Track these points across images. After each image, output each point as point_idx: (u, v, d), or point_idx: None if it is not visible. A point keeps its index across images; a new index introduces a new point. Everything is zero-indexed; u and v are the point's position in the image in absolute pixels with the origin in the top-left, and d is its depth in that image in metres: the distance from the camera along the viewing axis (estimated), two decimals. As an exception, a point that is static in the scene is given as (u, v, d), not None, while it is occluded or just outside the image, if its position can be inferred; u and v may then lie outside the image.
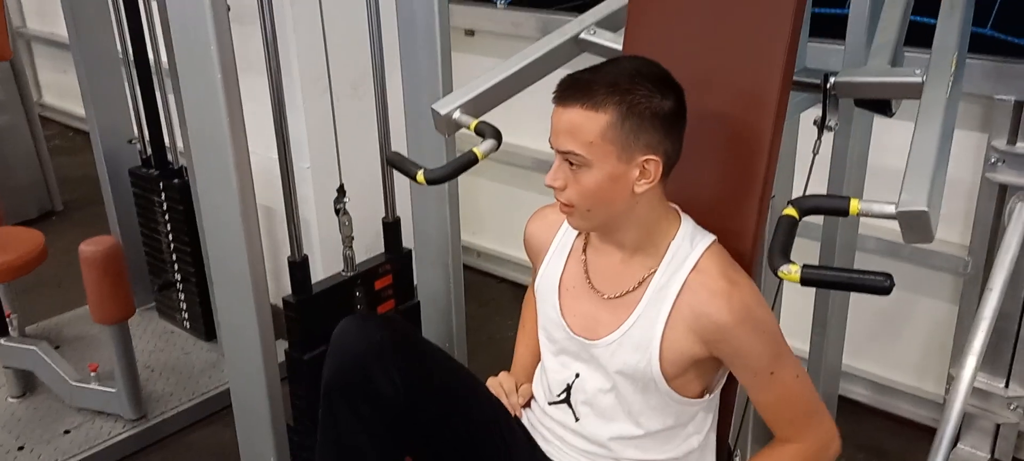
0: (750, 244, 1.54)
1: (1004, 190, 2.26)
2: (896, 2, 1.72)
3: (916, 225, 1.28)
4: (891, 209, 1.29)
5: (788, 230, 1.28)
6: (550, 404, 1.58)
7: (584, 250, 1.55)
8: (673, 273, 1.43)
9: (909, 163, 1.35)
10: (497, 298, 3.51)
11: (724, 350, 1.41)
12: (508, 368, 1.76)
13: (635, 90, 1.34)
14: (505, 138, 3.55)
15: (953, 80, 1.49)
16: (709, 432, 1.56)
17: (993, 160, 2.24)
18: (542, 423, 1.61)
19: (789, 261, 1.24)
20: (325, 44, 2.23)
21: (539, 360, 1.67)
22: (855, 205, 1.29)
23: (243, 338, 1.99)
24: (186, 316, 3.16)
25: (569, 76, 1.39)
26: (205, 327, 3.10)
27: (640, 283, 1.46)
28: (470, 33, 3.32)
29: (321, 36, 2.24)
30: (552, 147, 1.39)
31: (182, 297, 3.13)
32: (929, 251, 2.45)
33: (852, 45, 1.84)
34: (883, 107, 1.70)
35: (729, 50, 1.56)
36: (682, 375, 1.44)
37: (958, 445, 2.51)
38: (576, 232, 1.57)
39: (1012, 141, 2.21)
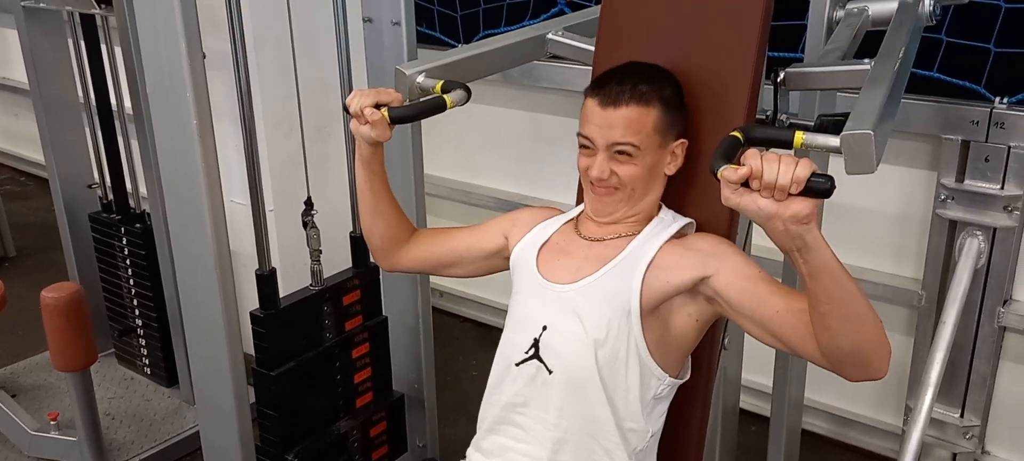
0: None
1: (954, 226, 2.35)
2: (848, 27, 1.78)
3: (859, 149, 1.29)
4: (835, 141, 1.31)
5: (731, 145, 1.29)
6: (517, 365, 1.56)
7: (576, 227, 1.63)
8: (657, 234, 1.55)
9: (855, 106, 1.37)
10: (460, 338, 3.52)
11: (714, 262, 1.46)
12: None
13: (666, 86, 1.53)
14: (466, 179, 3.59)
15: (900, 64, 1.52)
16: (655, 437, 1.58)
17: (943, 197, 2.33)
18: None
19: (728, 163, 1.23)
20: (297, 89, 2.25)
21: (388, 205, 1.71)
22: (800, 137, 1.31)
23: (216, 385, 1.99)
24: (147, 362, 3.12)
25: (608, 78, 1.52)
26: (166, 373, 3.06)
27: (626, 236, 1.56)
28: (432, 77, 3.36)
29: (283, 81, 2.26)
30: (595, 144, 1.51)
31: (143, 343, 3.09)
32: (884, 285, 2.53)
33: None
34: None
35: (696, 90, 1.61)
36: (654, 311, 1.48)
37: (916, 474, 2.58)
38: (571, 219, 1.66)
39: (960, 179, 2.30)
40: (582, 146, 1.54)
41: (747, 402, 2.79)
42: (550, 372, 1.52)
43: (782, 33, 2.34)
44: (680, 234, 1.56)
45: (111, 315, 3.17)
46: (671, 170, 1.56)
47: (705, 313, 1.51)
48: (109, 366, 3.24)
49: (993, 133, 2.22)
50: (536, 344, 1.54)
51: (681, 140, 1.56)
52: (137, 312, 3.04)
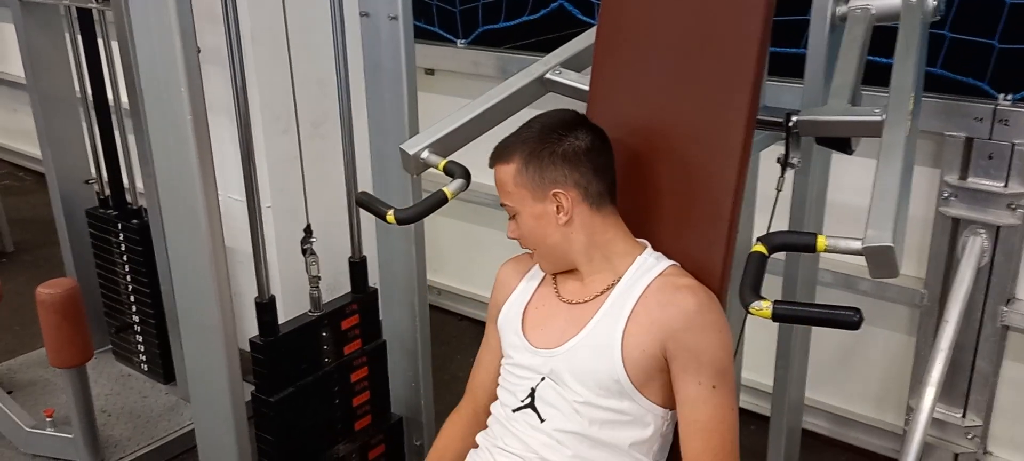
0: (718, 280, 1.56)
1: (957, 224, 2.33)
2: (853, 44, 1.77)
3: (882, 260, 1.30)
4: (857, 245, 1.31)
5: (758, 266, 1.30)
6: (514, 411, 1.58)
7: (554, 279, 1.63)
8: (636, 280, 1.52)
9: (873, 200, 1.37)
10: (458, 336, 3.50)
11: (678, 345, 1.44)
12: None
13: (539, 138, 1.52)
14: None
15: (911, 118, 1.53)
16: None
17: (946, 195, 2.31)
18: None
19: (760, 297, 1.26)
20: (292, 85, 2.23)
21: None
22: (822, 242, 1.32)
23: (211, 381, 1.97)
24: (144, 359, 3.10)
25: (499, 142, 1.57)
26: (163, 370, 3.05)
27: (604, 291, 1.54)
28: (430, 72, 3.34)
29: (280, 77, 2.24)
30: None
31: (140, 340, 3.07)
32: (886, 284, 2.51)
33: (811, 84, 1.88)
34: (843, 145, 1.74)
35: (695, 91, 1.59)
36: (647, 382, 1.47)
37: (917, 475, 2.56)
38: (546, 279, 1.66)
39: (963, 176, 2.28)
40: None
41: (747, 401, 2.77)
42: (542, 420, 1.54)
43: (784, 28, 2.32)
44: (664, 274, 1.52)
45: (108, 311, 3.15)
46: (563, 220, 1.51)
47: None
48: (106, 362, 3.22)
49: (997, 130, 2.20)
50: (532, 394, 1.56)
51: (558, 190, 1.50)
52: (134, 308, 3.02)
